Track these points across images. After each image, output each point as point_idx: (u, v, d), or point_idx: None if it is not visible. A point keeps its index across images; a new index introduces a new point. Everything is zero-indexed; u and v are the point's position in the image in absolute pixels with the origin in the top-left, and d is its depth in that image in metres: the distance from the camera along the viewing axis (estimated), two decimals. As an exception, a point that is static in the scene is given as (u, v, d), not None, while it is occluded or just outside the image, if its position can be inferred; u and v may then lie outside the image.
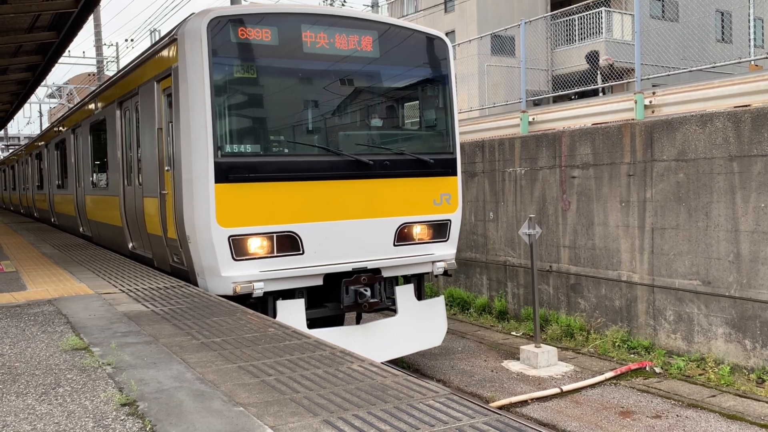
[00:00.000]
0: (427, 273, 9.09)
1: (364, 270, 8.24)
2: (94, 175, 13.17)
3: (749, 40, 10.75)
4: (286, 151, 8.04)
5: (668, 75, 12.31)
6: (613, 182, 10.65)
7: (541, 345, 10.02)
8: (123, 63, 36.31)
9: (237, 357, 4.67)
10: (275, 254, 7.67)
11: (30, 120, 57.66)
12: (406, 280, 9.11)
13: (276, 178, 7.63)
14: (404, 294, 8.86)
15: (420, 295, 9.24)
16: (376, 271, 8.36)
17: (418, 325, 8.91)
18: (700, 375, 9.07)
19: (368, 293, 8.14)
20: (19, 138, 57.62)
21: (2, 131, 49.11)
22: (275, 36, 7.74)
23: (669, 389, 8.67)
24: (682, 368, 9.25)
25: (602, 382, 9.02)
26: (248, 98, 8.04)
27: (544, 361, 9.69)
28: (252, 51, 7.67)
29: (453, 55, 9.24)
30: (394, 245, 8.50)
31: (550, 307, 11.79)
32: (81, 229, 14.81)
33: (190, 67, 7.47)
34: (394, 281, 8.87)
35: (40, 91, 36.78)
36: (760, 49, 11.18)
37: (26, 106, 35.86)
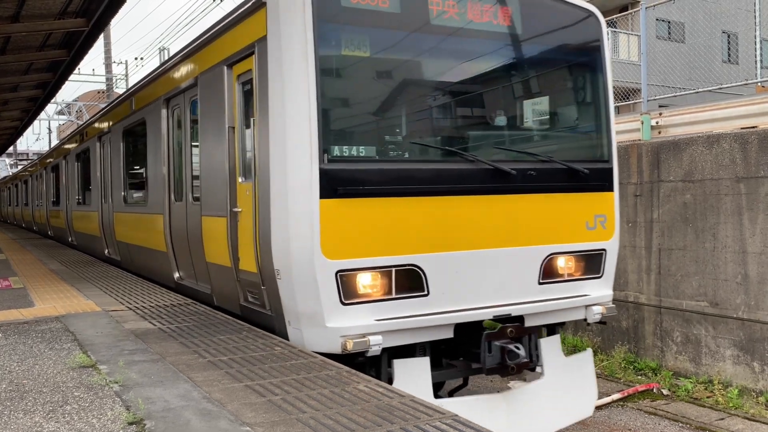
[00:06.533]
0: (581, 320, 6.90)
1: (508, 318, 6.17)
2: (128, 189, 11.29)
3: (756, 61, 10.77)
4: (407, 155, 6.09)
5: (675, 96, 12.34)
6: (619, 202, 10.63)
7: (548, 365, 9.94)
8: (132, 81, 36.64)
9: (244, 376, 4.67)
10: (393, 296, 5.71)
11: (39, 136, 58.26)
12: (549, 330, 6.97)
13: (397, 192, 5.72)
14: (550, 348, 6.65)
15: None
16: (519, 318, 6.30)
17: (566, 389, 6.69)
18: (708, 397, 9.00)
19: (521, 351, 6.01)
20: (27, 154, 58.24)
21: (11, 147, 49.47)
22: (395, 2, 5.89)
23: (677, 411, 8.61)
24: (689, 390, 9.19)
25: (609, 403, 8.97)
26: (363, 84, 6.09)
27: (550, 382, 9.56)
28: (368, 20, 5.77)
29: (607, 36, 7.31)
30: (539, 283, 6.41)
31: (557, 327, 11.73)
32: (106, 252, 13.09)
33: (286, 40, 5.59)
34: (537, 332, 6.66)
35: (50, 108, 37.09)
36: (766, 71, 11.19)
37: (35, 122, 36.13)
